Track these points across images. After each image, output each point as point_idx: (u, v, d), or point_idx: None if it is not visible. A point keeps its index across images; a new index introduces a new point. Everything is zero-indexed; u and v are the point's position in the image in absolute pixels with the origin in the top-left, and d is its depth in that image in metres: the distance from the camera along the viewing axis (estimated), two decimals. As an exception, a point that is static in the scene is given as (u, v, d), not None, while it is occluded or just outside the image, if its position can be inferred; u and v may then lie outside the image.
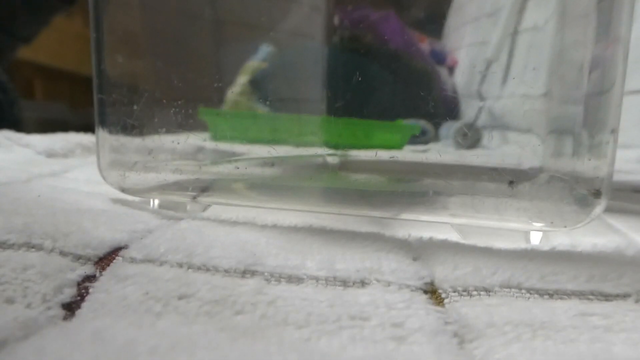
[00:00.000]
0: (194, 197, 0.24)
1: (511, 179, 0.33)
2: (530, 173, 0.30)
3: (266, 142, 0.39)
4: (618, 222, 0.25)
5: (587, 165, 0.21)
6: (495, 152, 0.39)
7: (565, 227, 0.20)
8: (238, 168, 0.31)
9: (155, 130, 0.27)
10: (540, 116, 0.31)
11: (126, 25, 0.26)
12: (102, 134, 0.24)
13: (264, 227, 0.21)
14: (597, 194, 0.19)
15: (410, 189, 0.33)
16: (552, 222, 0.21)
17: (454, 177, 0.37)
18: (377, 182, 0.35)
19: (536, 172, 0.29)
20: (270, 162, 0.32)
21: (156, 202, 0.25)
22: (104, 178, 0.24)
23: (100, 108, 0.24)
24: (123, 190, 0.24)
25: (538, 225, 0.21)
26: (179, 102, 0.30)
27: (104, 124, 0.24)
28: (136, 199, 0.25)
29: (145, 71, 0.29)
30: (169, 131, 0.29)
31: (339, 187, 0.33)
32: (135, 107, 0.26)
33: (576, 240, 0.21)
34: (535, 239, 0.21)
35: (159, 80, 0.30)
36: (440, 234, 0.21)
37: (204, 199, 0.25)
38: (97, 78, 0.24)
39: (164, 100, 0.29)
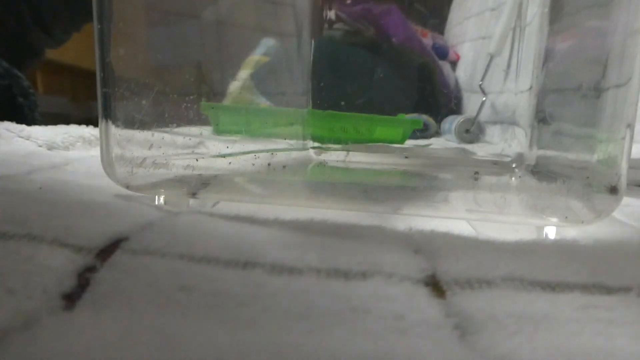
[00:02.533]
0: (194, 194, 0.24)
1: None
2: (545, 168, 0.30)
3: (267, 136, 0.39)
4: (622, 215, 0.25)
5: (603, 161, 0.21)
6: (505, 147, 0.39)
7: (583, 222, 0.20)
8: (230, 163, 0.31)
9: (158, 124, 0.27)
10: (552, 111, 0.31)
11: (132, 16, 0.26)
12: (105, 128, 0.24)
13: (265, 220, 0.21)
14: (613, 190, 0.19)
15: (413, 183, 0.33)
16: (566, 217, 0.21)
17: (456, 171, 0.37)
18: (378, 176, 0.35)
19: (550, 167, 0.29)
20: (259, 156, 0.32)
21: (161, 197, 0.25)
22: (107, 173, 0.24)
23: (104, 102, 0.23)
24: (126, 185, 0.24)
25: (553, 220, 0.21)
26: (184, 96, 0.30)
27: (108, 117, 0.24)
28: (137, 193, 0.25)
29: (151, 64, 0.29)
30: (170, 124, 0.29)
31: (340, 181, 0.33)
32: (142, 101, 0.26)
33: (579, 234, 0.21)
34: (550, 234, 0.21)
35: (165, 73, 0.30)
36: (441, 227, 0.21)
37: (205, 195, 0.25)
38: (102, 71, 0.23)
39: (171, 95, 0.29)
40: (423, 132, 0.45)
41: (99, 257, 0.16)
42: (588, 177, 0.22)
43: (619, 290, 0.15)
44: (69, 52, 1.33)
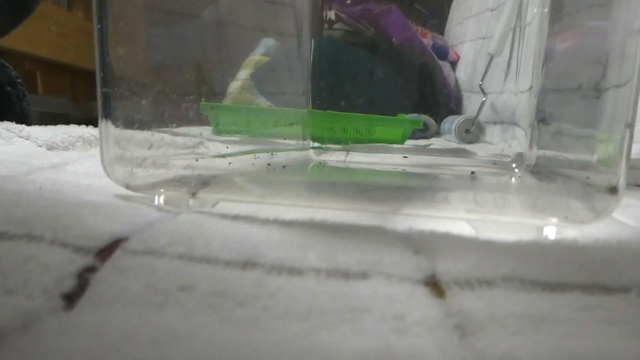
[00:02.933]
0: (194, 194, 0.24)
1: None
2: (545, 168, 0.30)
3: (267, 136, 0.39)
4: (621, 215, 0.25)
5: (603, 161, 0.21)
6: (505, 147, 0.39)
7: (582, 222, 0.20)
8: (230, 164, 0.31)
9: (157, 124, 0.27)
10: (551, 111, 0.31)
11: (132, 16, 0.26)
12: (105, 128, 0.24)
13: (265, 220, 0.21)
14: (613, 190, 0.19)
15: (413, 183, 0.33)
16: (566, 217, 0.21)
17: (456, 172, 0.37)
18: (377, 176, 0.35)
19: (550, 167, 0.29)
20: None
21: (161, 198, 0.25)
22: (107, 173, 0.24)
23: (104, 102, 0.23)
24: (126, 185, 0.24)
25: (553, 220, 0.21)
26: (184, 96, 0.30)
27: (108, 117, 0.24)
28: (137, 193, 0.25)
29: (151, 64, 0.29)
30: (170, 124, 0.29)
31: (340, 181, 0.33)
32: (141, 100, 0.26)
33: (579, 234, 0.21)
34: (550, 234, 0.21)
35: (165, 73, 0.30)
36: (441, 227, 0.21)
37: (205, 195, 0.25)
38: (102, 71, 0.23)
39: (171, 95, 0.29)
40: (423, 132, 0.45)
41: (99, 257, 0.16)
42: (588, 177, 0.22)
43: (618, 290, 0.15)
44: (69, 52, 1.34)
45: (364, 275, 0.16)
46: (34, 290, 0.14)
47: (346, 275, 0.16)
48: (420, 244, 0.19)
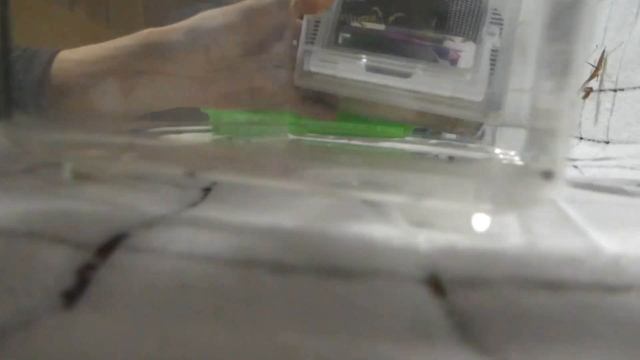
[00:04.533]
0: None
1: (451, 156, 0.33)
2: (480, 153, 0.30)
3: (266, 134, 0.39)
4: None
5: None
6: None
7: (515, 209, 0.20)
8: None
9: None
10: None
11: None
12: None
13: (265, 220, 0.21)
14: (548, 175, 0.18)
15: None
16: (499, 203, 0.20)
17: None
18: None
19: (486, 152, 0.29)
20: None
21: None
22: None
23: None
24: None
25: (486, 207, 0.20)
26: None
27: None
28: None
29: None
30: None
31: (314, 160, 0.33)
32: None
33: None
34: (484, 222, 0.20)
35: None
36: (442, 227, 0.20)
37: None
38: None
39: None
40: (424, 131, 0.45)
41: (99, 255, 0.16)
42: (530, 162, 0.21)
43: (619, 290, 0.15)
44: (70, 49, 1.33)
45: (364, 276, 0.16)
46: (34, 289, 0.14)
47: (346, 274, 0.16)
48: (421, 243, 0.19)
